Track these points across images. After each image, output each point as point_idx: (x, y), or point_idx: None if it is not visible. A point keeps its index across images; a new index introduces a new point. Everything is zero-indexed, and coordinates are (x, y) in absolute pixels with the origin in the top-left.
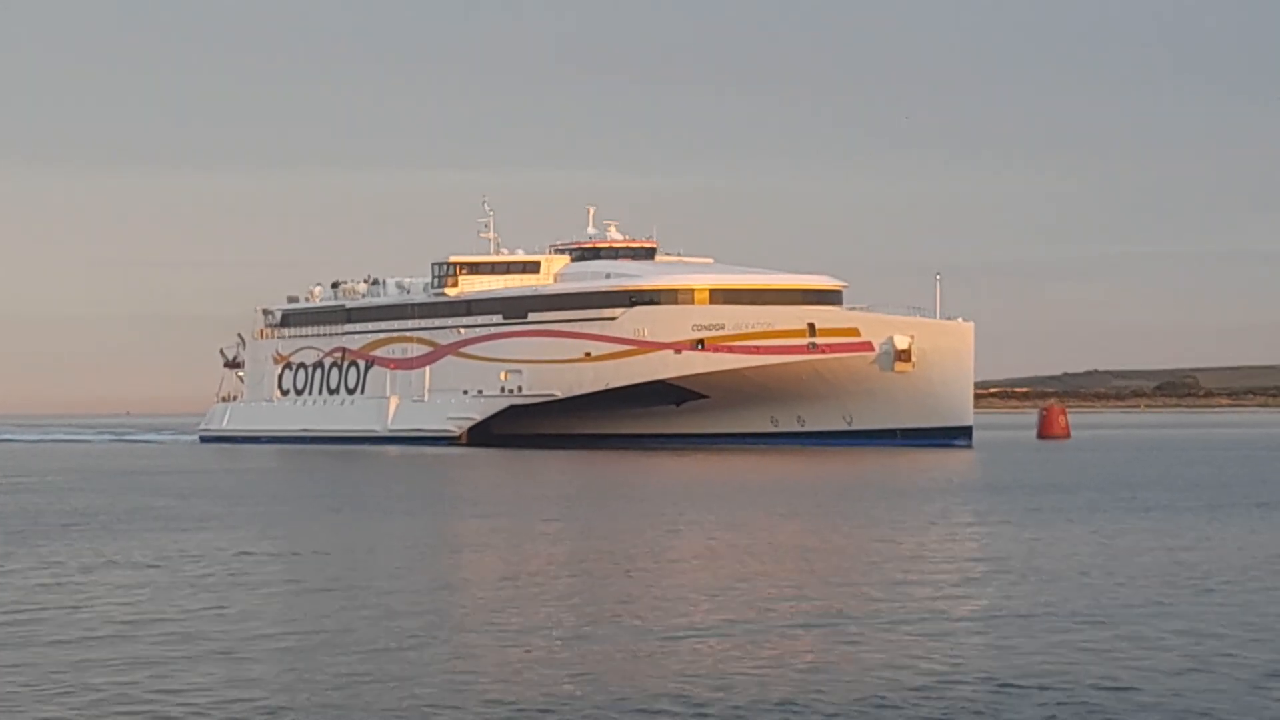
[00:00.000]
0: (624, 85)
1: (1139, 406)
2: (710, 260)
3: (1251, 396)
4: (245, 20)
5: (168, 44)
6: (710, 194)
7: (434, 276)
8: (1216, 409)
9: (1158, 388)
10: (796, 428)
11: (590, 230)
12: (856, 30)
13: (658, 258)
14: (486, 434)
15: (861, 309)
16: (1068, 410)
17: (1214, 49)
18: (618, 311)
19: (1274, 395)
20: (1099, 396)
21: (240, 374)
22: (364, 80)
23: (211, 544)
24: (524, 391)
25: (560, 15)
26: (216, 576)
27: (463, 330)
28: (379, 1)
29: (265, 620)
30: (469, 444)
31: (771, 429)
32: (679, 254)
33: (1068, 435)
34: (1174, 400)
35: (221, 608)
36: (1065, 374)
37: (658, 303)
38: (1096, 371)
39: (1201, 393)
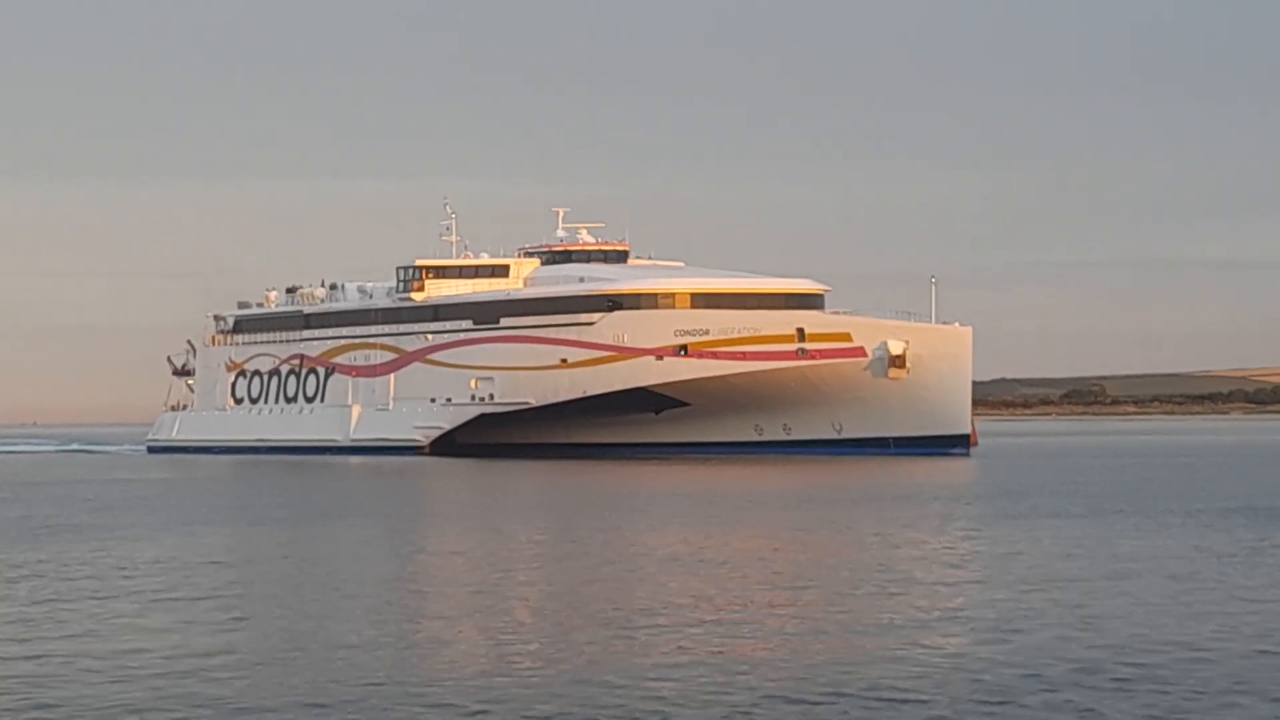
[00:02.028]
0: (584, 93)
1: (1050, 415)
2: (681, 264)
3: (1157, 404)
4: (195, 29)
5: (118, 53)
6: (675, 200)
7: (399, 280)
8: (1123, 416)
9: (1065, 395)
10: (783, 436)
11: (560, 233)
12: (805, 41)
13: (630, 261)
14: (451, 444)
15: (845, 313)
16: (975, 417)
17: (1140, 60)
18: (595, 316)
19: (1179, 403)
20: (1007, 404)
21: (190, 382)
22: (316, 88)
23: (167, 556)
24: (496, 399)
25: (520, 24)
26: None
27: (430, 336)
28: (335, 10)
29: (215, 630)
30: (432, 454)
31: (756, 438)
32: (650, 257)
33: (975, 443)
34: (1081, 408)
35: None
36: (974, 381)
37: (638, 307)
38: (1004, 379)
39: (1108, 400)
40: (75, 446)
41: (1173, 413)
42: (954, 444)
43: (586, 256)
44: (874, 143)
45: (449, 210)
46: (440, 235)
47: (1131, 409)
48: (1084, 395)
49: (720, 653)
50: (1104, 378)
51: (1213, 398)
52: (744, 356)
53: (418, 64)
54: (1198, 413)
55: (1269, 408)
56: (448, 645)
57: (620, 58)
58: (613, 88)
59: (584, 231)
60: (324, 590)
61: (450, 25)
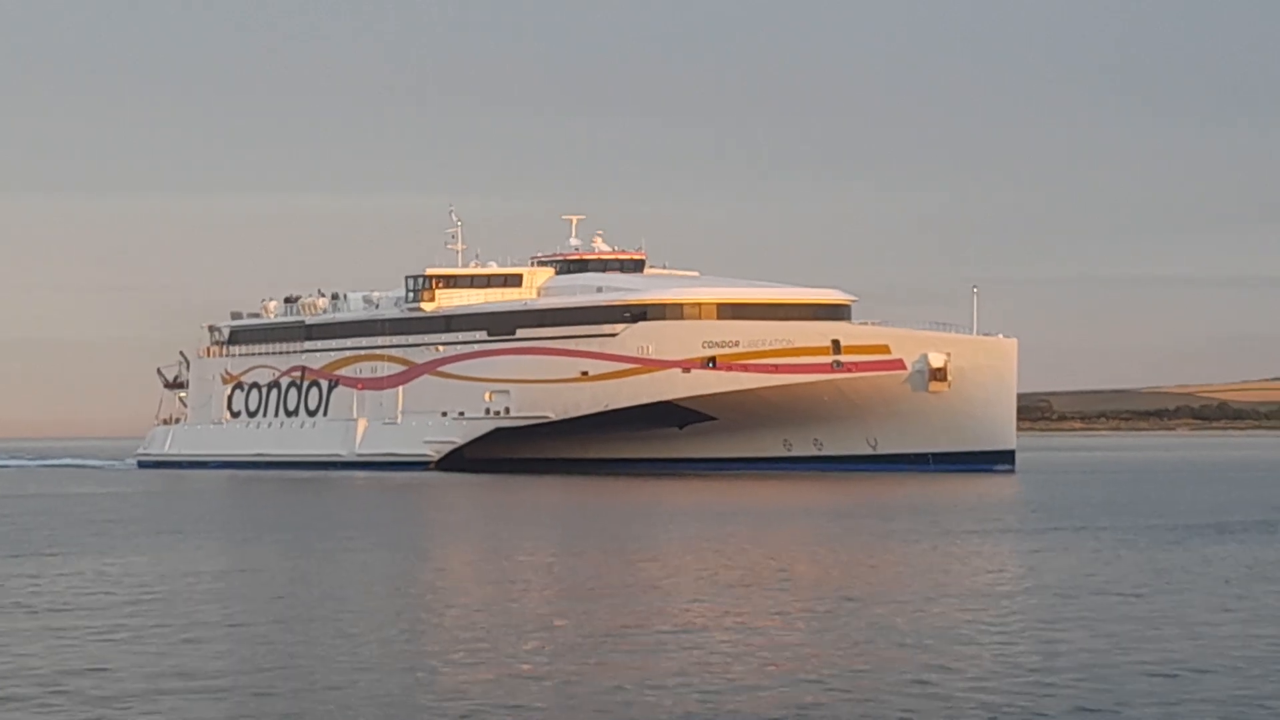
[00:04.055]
0: (588, 108)
1: None
2: (696, 274)
3: (1104, 420)
4: (190, 39)
5: (113, 64)
6: (682, 212)
7: (408, 290)
8: (1070, 432)
9: None
10: (813, 452)
11: (574, 241)
12: (790, 58)
13: (645, 270)
14: (459, 459)
15: (875, 324)
16: None
17: (1093, 79)
18: (618, 327)
19: (1126, 419)
20: None
21: (182, 395)
22: (313, 101)
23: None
24: (512, 413)
25: (525, 41)
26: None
27: (441, 348)
28: (328, 24)
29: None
30: (438, 469)
31: (785, 453)
32: (665, 267)
33: None
34: (1028, 423)
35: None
36: None
37: (662, 318)
38: None
39: (1055, 416)
40: (57, 461)
41: (1119, 428)
42: (998, 460)
43: (602, 265)
44: (823, 160)
45: (455, 218)
46: (445, 244)
47: (1078, 425)
48: (1031, 411)
49: (747, 678)
50: (1051, 393)
51: (1159, 414)
52: (776, 369)
53: (419, 79)
54: (1144, 429)
55: (1214, 424)
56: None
57: (622, 74)
58: (615, 104)
59: (599, 240)
60: (309, 623)
61: (450, 39)
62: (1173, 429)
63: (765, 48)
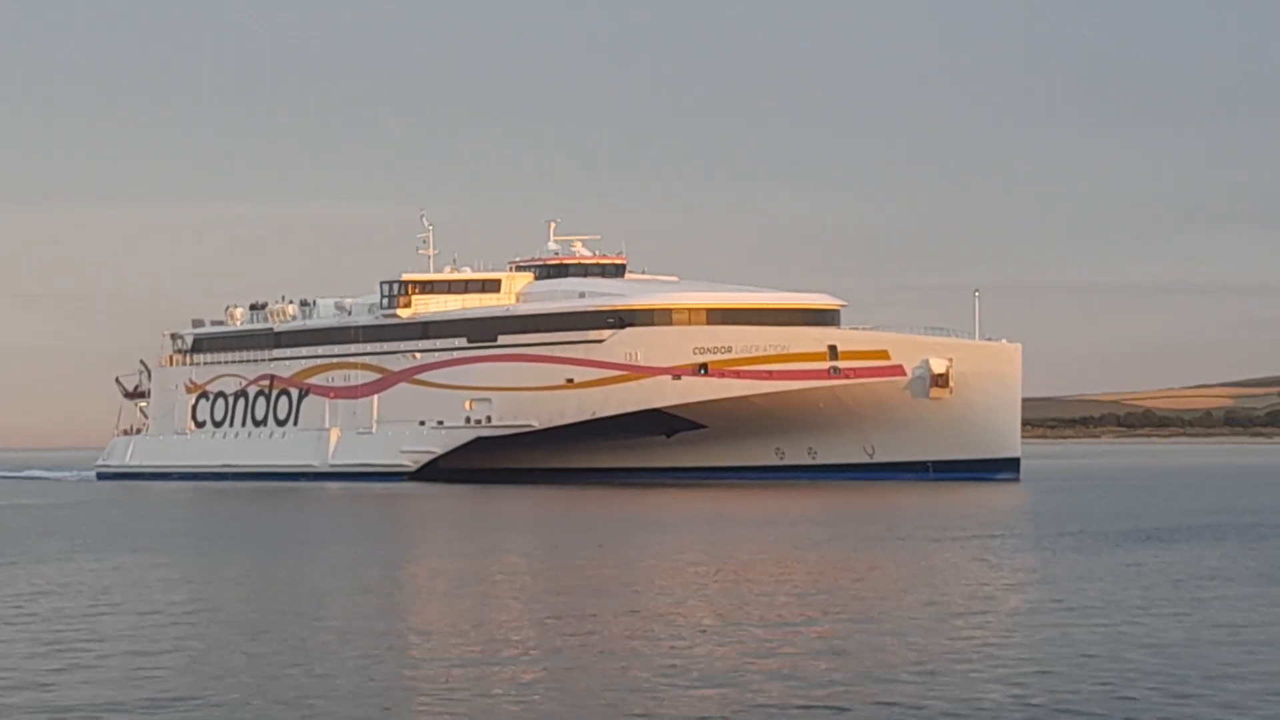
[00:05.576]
0: (557, 114)
1: None
2: (675, 278)
3: (1030, 427)
4: (156, 48)
5: (78, 70)
6: (649, 217)
7: (383, 296)
8: None
9: None
10: (806, 460)
11: (552, 245)
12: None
13: (625, 275)
14: (435, 469)
15: (866, 329)
16: None
17: (1029, 84)
18: (605, 333)
19: (1052, 427)
20: None
21: (143, 405)
22: (281, 109)
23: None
24: (494, 422)
25: (488, 47)
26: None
27: (418, 355)
28: (299, 32)
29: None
30: (413, 479)
31: (777, 462)
32: (644, 271)
33: None
34: None
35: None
36: None
37: (651, 323)
38: None
39: None
40: (11, 473)
41: (1045, 436)
42: (1002, 468)
43: (583, 270)
44: (795, 166)
45: (426, 223)
46: (417, 249)
47: None
48: None
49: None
50: None
51: (1084, 421)
52: (771, 376)
53: (388, 85)
54: (1070, 436)
55: (1138, 431)
56: None
57: (599, 81)
58: (588, 110)
59: (579, 244)
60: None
61: (421, 45)
62: (1098, 436)
63: (748, 50)
